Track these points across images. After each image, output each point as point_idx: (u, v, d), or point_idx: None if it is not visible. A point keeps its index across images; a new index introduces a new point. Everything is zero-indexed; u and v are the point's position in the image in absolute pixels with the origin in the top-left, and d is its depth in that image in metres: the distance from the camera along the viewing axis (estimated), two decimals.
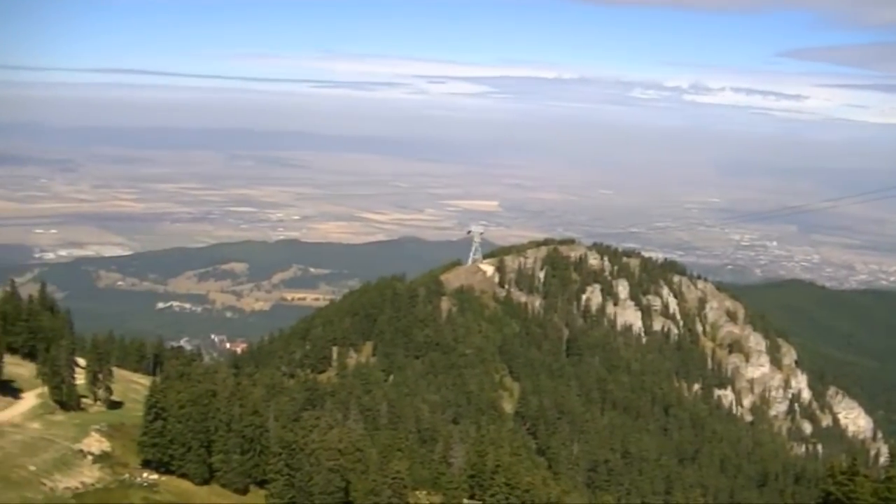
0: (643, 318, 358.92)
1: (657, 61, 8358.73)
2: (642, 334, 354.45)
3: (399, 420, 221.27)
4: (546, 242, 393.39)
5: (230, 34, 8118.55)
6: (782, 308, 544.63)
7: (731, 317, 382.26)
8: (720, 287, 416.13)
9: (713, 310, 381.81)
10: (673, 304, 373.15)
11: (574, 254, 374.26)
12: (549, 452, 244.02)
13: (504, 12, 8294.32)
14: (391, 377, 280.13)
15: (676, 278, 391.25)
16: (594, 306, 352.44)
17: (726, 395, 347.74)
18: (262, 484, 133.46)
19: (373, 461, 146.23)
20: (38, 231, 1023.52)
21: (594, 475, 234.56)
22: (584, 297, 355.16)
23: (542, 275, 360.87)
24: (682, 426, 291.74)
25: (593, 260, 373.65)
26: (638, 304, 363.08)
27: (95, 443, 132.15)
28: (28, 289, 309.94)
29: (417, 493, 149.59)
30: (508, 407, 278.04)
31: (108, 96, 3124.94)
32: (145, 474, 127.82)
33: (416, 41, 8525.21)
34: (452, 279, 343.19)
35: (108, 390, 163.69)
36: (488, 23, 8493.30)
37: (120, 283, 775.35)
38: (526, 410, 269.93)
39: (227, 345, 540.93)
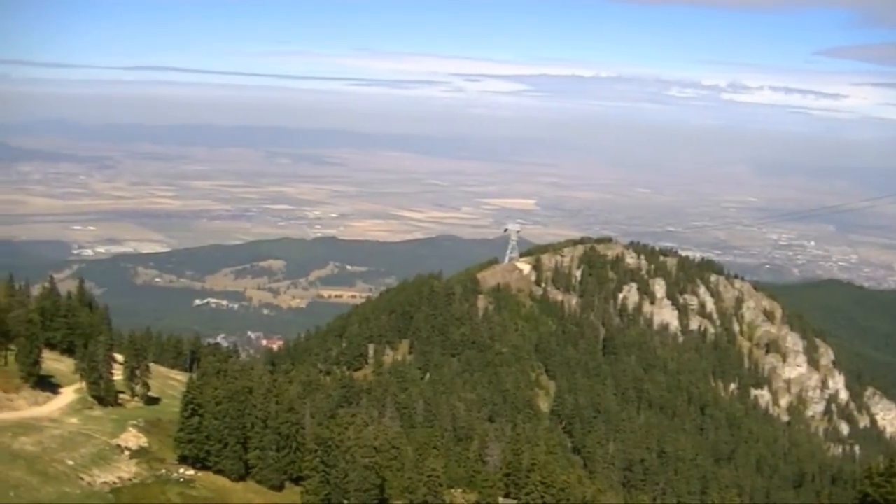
0: (680, 318, 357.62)
1: (695, 60, 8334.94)
2: (679, 333, 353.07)
3: (435, 418, 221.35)
4: (583, 241, 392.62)
5: (269, 32, 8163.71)
6: (820, 308, 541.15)
7: (769, 316, 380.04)
8: (757, 286, 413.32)
9: (750, 309, 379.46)
10: (710, 304, 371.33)
11: (611, 252, 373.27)
12: (585, 451, 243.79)
13: (542, 11, 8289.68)
14: (427, 375, 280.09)
15: (713, 278, 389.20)
16: (631, 305, 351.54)
17: (763, 396, 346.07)
18: (297, 481, 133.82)
19: (408, 459, 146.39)
20: (76, 228, 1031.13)
21: (630, 474, 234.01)
22: (620, 295, 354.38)
23: (578, 273, 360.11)
24: (719, 426, 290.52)
25: (630, 259, 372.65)
26: (675, 303, 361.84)
27: (133, 438, 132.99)
28: (67, 285, 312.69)
29: (453, 491, 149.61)
30: (544, 405, 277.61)
31: (148, 94, 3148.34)
32: (182, 470, 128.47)
33: (453, 39, 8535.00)
34: (489, 277, 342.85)
35: (146, 386, 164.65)
36: (526, 21, 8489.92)
37: (158, 279, 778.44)
38: (562, 409, 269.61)
39: (264, 342, 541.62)
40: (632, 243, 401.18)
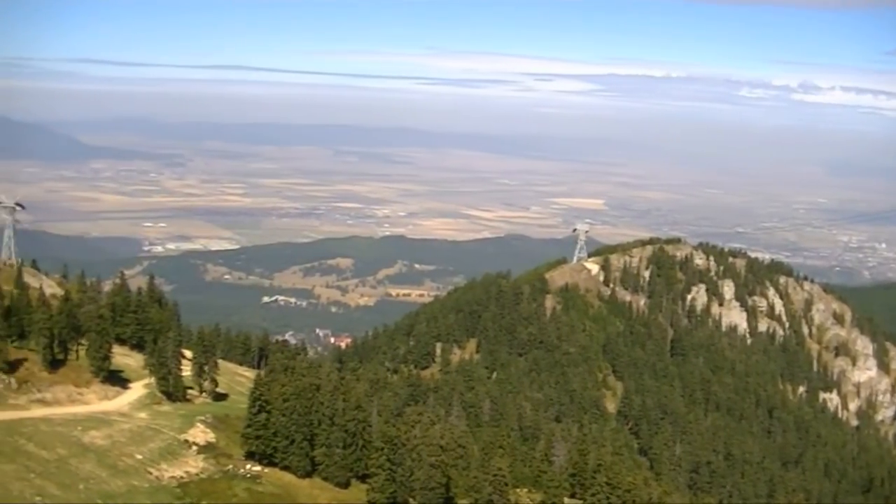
0: (748, 319, 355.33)
1: (766, 59, 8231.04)
2: (747, 335, 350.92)
3: (501, 417, 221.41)
4: (651, 241, 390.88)
5: (338, 31, 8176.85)
6: (891, 311, 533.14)
7: (838, 319, 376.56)
8: (827, 289, 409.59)
9: (820, 312, 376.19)
10: (779, 306, 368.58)
11: (680, 253, 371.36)
12: (651, 453, 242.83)
13: (613, 10, 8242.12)
14: (494, 374, 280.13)
15: (783, 279, 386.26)
16: (699, 306, 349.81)
17: (832, 399, 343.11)
18: (363, 478, 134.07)
19: (474, 458, 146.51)
20: (147, 225, 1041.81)
21: (696, 477, 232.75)
22: (689, 296, 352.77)
23: (647, 274, 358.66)
24: (787, 429, 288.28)
25: (699, 260, 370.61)
26: (743, 304, 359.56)
27: (200, 434, 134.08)
28: (137, 281, 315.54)
29: (518, 490, 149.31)
30: (611, 406, 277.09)
31: (218, 92, 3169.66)
32: (248, 466, 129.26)
33: (524, 38, 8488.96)
34: (557, 277, 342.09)
35: (214, 382, 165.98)
36: (597, 20, 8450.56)
37: (227, 276, 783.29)
38: (629, 410, 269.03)
39: (332, 339, 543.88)
40: (701, 244, 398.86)
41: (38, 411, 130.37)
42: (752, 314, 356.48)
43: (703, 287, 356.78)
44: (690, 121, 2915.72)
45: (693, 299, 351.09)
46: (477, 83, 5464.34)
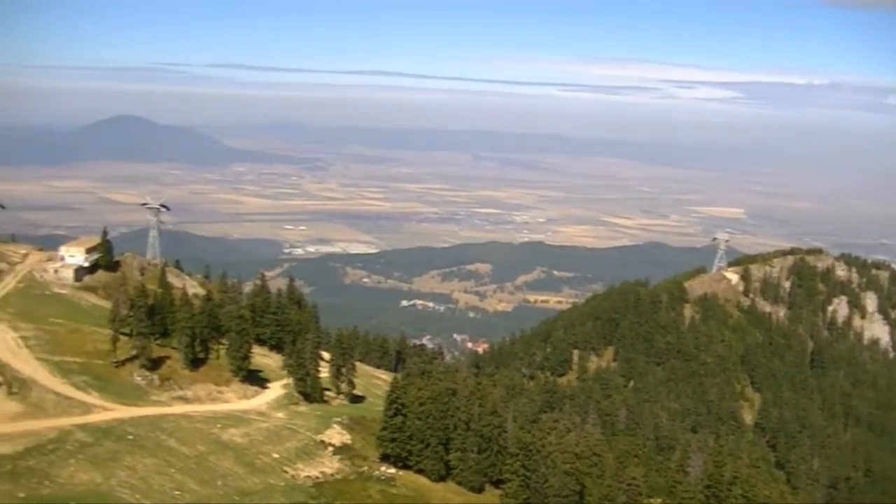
0: (891, 333, 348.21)
1: None
2: (890, 349, 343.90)
3: (637, 426, 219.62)
4: (792, 252, 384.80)
5: (481, 37, 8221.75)
6: None
7: None
8: None
9: None
10: None
11: (821, 264, 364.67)
12: (789, 466, 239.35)
13: (755, 17, 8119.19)
14: (631, 383, 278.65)
15: None
16: (840, 318, 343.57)
17: None
18: (497, 483, 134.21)
19: (609, 466, 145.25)
20: (287, 227, 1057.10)
21: (834, 492, 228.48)
22: (830, 308, 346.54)
23: (787, 284, 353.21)
24: None
25: (841, 271, 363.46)
26: (886, 317, 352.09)
27: (336, 435, 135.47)
28: (277, 283, 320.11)
29: (652, 500, 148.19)
30: (748, 418, 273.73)
31: (360, 97, 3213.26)
32: (383, 468, 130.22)
33: (666, 45, 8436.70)
34: (696, 286, 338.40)
35: (351, 384, 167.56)
36: (739, 28, 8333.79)
37: (365, 280, 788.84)
38: (766, 422, 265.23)
39: (469, 344, 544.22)
40: (843, 255, 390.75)
41: (179, 408, 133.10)
42: (895, 327, 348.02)
43: (844, 299, 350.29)
44: (833, 129, 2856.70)
45: (834, 311, 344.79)
46: (619, 90, 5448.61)
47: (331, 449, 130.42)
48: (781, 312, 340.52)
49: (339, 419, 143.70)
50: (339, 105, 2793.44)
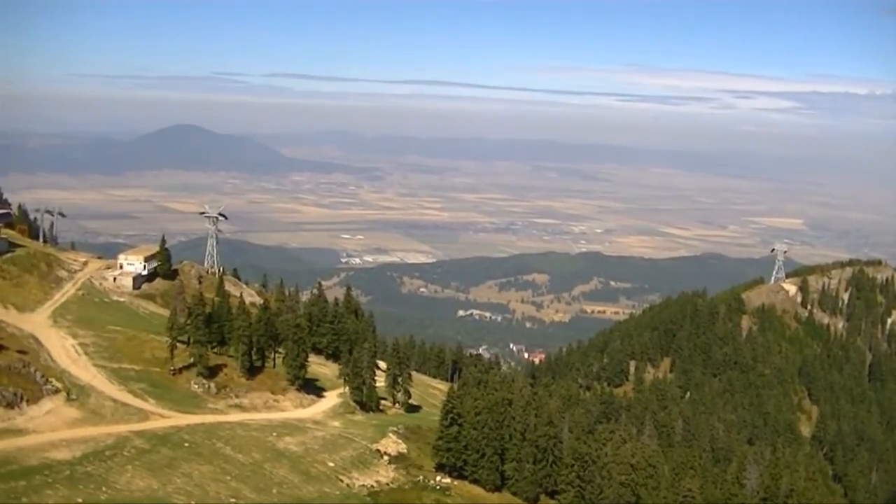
0: None
1: None
2: None
3: (693, 438, 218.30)
4: (851, 263, 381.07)
5: (543, 47, 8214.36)
6: None
7: None
8: None
9: None
10: None
11: (881, 276, 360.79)
12: (846, 480, 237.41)
13: (815, 27, 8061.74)
14: (688, 394, 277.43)
15: None
16: None
17: None
18: (552, 494, 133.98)
19: (665, 478, 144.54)
20: (345, 236, 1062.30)
21: None
22: (889, 320, 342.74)
23: (846, 296, 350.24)
24: None
25: None
26: None
27: (392, 444, 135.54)
28: (334, 292, 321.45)
29: None
30: (805, 430, 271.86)
31: (418, 107, 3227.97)
32: (438, 478, 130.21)
33: (725, 55, 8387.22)
34: (754, 297, 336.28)
35: (407, 393, 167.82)
36: (799, 37, 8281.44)
37: (422, 289, 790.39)
38: (823, 435, 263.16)
39: (526, 355, 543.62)
40: None
41: (236, 416, 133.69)
42: None
43: None
44: (895, 140, 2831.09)
45: (893, 323, 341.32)
46: (677, 100, 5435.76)
47: (386, 458, 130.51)
48: (840, 324, 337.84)
49: (394, 428, 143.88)
50: (395, 114, 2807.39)
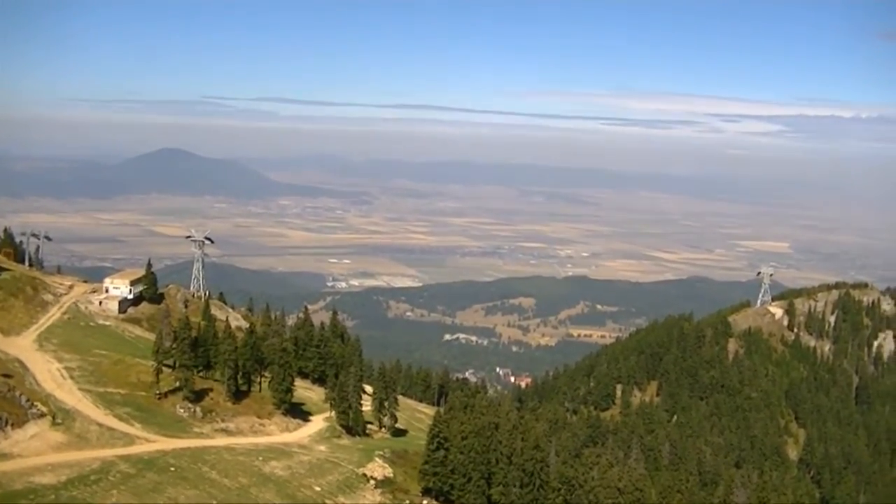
0: None
1: None
2: None
3: (681, 461, 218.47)
4: (838, 286, 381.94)
5: (529, 72, 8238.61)
6: None
7: None
8: None
9: None
10: None
11: (867, 298, 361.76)
12: (833, 503, 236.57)
13: (801, 50, 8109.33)
14: (675, 417, 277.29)
15: None
16: (886, 353, 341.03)
17: None
18: None
19: (652, 502, 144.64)
20: (332, 261, 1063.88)
21: None
22: (875, 343, 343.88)
23: (832, 319, 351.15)
24: None
25: (887, 305, 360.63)
26: None
27: (378, 468, 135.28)
28: (321, 316, 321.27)
29: None
30: (793, 453, 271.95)
31: (408, 131, 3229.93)
32: (425, 502, 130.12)
33: (711, 79, 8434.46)
34: (740, 320, 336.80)
35: (393, 418, 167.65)
36: (785, 61, 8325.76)
37: (409, 313, 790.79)
38: (811, 458, 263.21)
39: (512, 378, 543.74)
40: (889, 289, 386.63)
41: (222, 440, 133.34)
42: None
43: (890, 333, 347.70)
44: (881, 163, 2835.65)
45: (880, 346, 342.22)
46: (664, 124, 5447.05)
47: (373, 482, 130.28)
48: (826, 347, 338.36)
49: (381, 452, 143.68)
50: (383, 139, 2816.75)
